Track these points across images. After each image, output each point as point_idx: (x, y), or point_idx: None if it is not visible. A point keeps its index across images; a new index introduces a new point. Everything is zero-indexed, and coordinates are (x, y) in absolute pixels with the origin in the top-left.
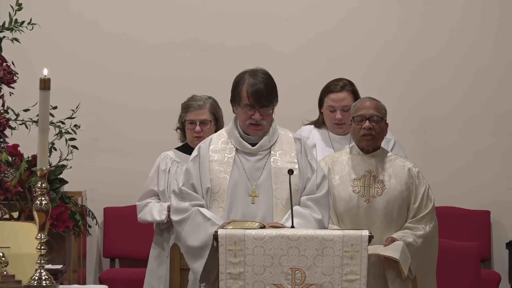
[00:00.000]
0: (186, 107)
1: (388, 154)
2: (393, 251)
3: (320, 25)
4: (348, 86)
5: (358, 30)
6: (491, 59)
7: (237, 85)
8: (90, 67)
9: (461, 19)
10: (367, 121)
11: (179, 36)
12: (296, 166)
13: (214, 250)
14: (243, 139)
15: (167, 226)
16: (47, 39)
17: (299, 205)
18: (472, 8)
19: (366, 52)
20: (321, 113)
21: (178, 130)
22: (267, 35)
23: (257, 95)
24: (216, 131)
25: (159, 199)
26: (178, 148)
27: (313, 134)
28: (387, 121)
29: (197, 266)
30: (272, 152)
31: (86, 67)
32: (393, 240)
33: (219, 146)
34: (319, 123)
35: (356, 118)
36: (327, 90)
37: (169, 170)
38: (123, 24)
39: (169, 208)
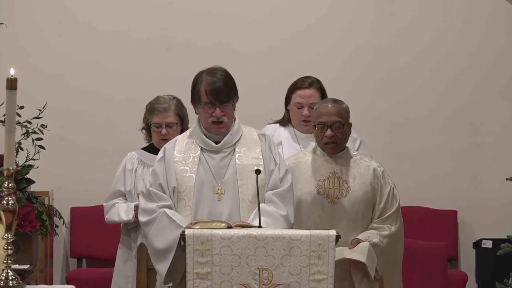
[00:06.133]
0: (151, 109)
1: (353, 154)
2: (359, 254)
3: (290, 26)
4: (316, 84)
5: (327, 32)
6: (468, 62)
7: (195, 84)
8: (58, 61)
9: (440, 24)
10: (329, 129)
11: (145, 32)
12: (261, 163)
13: (181, 250)
14: (207, 138)
15: (134, 225)
16: (11, 35)
17: (264, 200)
18: (452, 13)
19: (336, 55)
20: (287, 110)
21: (143, 130)
22: (234, 34)
23: (215, 92)
24: (182, 131)
25: (126, 199)
26: (144, 149)
27: (278, 132)
28: (350, 122)
29: (161, 267)
30: (236, 149)
31: (54, 62)
32: (359, 241)
33: (184, 146)
34: (284, 121)
35: (318, 126)
36: (295, 86)
37: (136, 170)
38: (90, 13)
39: (136, 207)
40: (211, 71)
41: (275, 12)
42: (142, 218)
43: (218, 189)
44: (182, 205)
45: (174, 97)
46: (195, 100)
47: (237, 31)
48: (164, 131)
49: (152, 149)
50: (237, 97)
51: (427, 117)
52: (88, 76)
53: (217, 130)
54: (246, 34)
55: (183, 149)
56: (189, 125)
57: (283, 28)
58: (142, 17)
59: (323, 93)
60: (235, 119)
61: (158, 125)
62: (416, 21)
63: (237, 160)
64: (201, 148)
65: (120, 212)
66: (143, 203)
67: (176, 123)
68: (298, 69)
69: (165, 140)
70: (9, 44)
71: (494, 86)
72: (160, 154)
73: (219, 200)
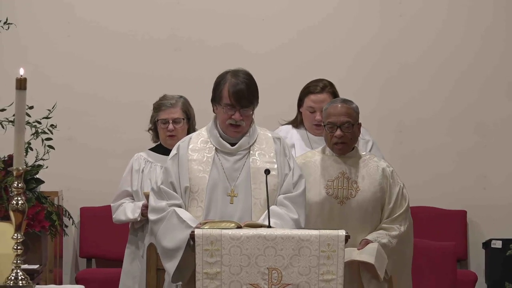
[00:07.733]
0: (158, 106)
1: (362, 154)
2: (368, 255)
3: (298, 26)
4: (328, 88)
5: (335, 32)
6: (474, 62)
7: (218, 84)
8: (65, 62)
9: (445, 22)
10: (338, 129)
11: (153, 32)
12: (275, 166)
13: (191, 249)
14: (222, 139)
15: (141, 224)
16: (19, 36)
17: (276, 204)
18: (457, 13)
19: (344, 54)
20: (299, 112)
21: (150, 131)
22: (242, 34)
23: (238, 95)
24: (188, 129)
25: (133, 199)
26: (151, 149)
27: (291, 134)
28: (359, 122)
29: (169, 266)
30: (251, 152)
31: (62, 62)
32: (368, 242)
33: (198, 145)
34: (297, 123)
35: (327, 126)
36: (307, 90)
37: (143, 170)
38: (98, 14)
39: (143, 206)
40: (236, 73)
41: (283, 12)
42: (151, 216)
43: (230, 191)
44: (194, 205)
45: (181, 96)
46: (215, 99)
47: (245, 31)
48: (171, 126)
49: (159, 149)
50: (258, 102)
51: (434, 117)
52: (95, 76)
53: (234, 133)
54: (254, 34)
55: (198, 148)
56: (195, 125)
57: (292, 28)
58: (149, 18)
59: (335, 97)
60: (252, 121)
61: (165, 120)
62: (423, 21)
63: (251, 163)
64: (216, 149)
65: (127, 211)
66: (153, 200)
67: (183, 119)
68: (306, 69)
69: (172, 136)
70: (15, 45)
71: (502, 85)
72: (174, 151)
73: (231, 203)
